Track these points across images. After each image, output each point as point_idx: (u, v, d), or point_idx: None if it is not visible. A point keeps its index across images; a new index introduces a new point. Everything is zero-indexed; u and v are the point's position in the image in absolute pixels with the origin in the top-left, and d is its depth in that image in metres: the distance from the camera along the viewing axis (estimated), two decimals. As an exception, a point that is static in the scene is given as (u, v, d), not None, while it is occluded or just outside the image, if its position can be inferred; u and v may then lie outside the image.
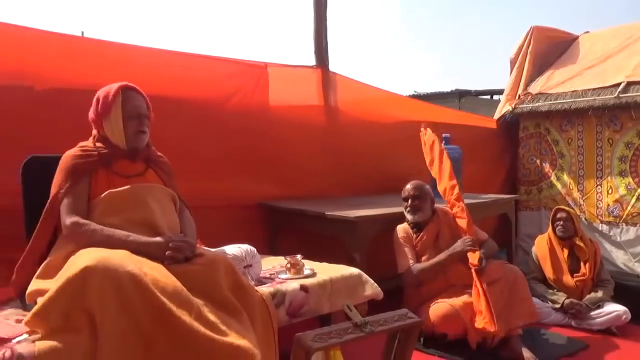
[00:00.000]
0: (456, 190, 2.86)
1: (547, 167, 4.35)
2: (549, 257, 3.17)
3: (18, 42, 2.34)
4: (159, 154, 1.93)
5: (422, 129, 3.26)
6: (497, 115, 4.69)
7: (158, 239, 1.58)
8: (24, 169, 1.87)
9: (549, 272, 3.15)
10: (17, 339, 1.34)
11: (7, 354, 1.24)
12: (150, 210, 1.68)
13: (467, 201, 2.89)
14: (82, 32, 2.93)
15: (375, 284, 2.17)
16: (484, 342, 2.49)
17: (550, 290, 3.10)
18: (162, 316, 1.33)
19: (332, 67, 3.61)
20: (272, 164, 3.16)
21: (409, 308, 2.56)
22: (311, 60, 3.57)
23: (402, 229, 2.78)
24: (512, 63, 4.79)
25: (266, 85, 3.23)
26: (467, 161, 3.65)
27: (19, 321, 1.49)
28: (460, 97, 8.87)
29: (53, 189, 1.68)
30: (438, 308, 2.50)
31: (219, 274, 1.55)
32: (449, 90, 9.02)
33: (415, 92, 9.57)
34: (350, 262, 2.36)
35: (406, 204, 2.79)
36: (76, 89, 2.29)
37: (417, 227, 2.78)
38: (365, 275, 2.17)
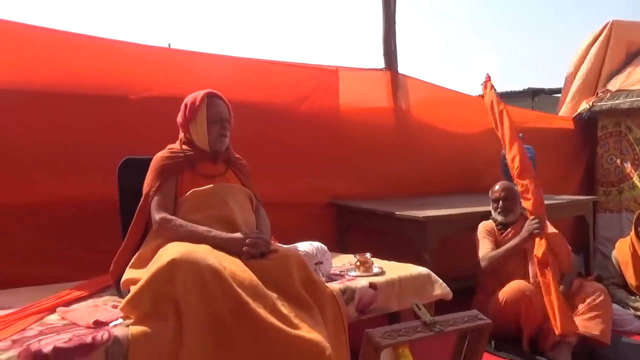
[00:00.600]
0: (516, 162, 2.53)
1: (628, 167, 4.01)
2: (631, 262, 2.92)
3: (112, 55, 2.51)
4: (237, 156, 1.99)
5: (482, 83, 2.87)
6: (562, 112, 4.38)
7: (236, 235, 1.63)
8: (119, 169, 2.01)
9: (630, 278, 2.91)
10: (113, 322, 1.44)
11: (105, 336, 1.33)
12: (230, 208, 1.74)
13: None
14: (169, 44, 3.09)
15: (444, 284, 2.10)
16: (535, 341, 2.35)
17: (632, 297, 2.86)
18: (239, 308, 1.37)
19: (401, 68, 3.57)
20: (343, 165, 3.17)
21: (481, 297, 2.55)
22: (380, 63, 3.54)
23: (486, 224, 2.70)
24: (581, 59, 4.44)
25: (337, 89, 3.24)
26: (541, 161, 3.45)
27: (115, 307, 1.60)
28: (533, 96, 8.39)
29: (145, 188, 1.79)
30: (511, 284, 2.39)
31: (291, 269, 1.57)
32: (521, 89, 8.55)
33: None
34: (419, 262, 2.31)
35: (496, 205, 2.68)
36: (164, 97, 2.42)
37: (503, 226, 2.67)
38: (434, 275, 2.11)
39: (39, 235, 2.18)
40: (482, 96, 2.88)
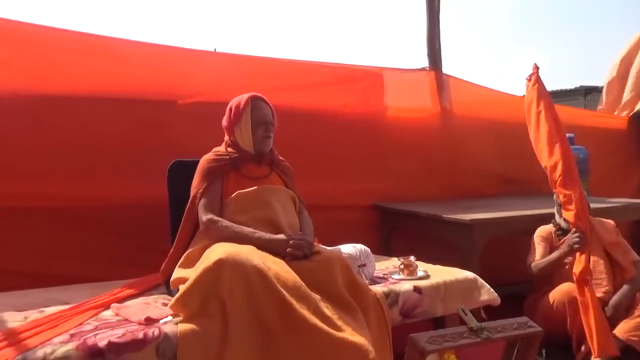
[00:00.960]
0: (559, 170, 2.32)
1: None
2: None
3: (161, 60, 2.61)
4: (281, 158, 2.02)
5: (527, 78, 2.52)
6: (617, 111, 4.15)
7: (280, 236, 1.65)
8: (169, 172, 2.08)
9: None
10: (163, 320, 1.48)
11: (156, 332, 1.37)
12: (273, 210, 1.77)
13: (593, 206, 2.58)
14: (215, 49, 3.16)
15: (492, 290, 2.04)
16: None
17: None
18: (283, 308, 1.38)
19: (445, 69, 3.50)
20: (387, 167, 3.14)
21: (533, 298, 2.46)
22: (424, 63, 3.48)
23: (543, 229, 2.57)
24: (632, 54, 4.18)
25: (382, 90, 3.22)
26: (595, 162, 3.29)
27: (165, 304, 1.65)
28: (585, 94, 8.02)
29: (192, 190, 1.84)
30: (562, 287, 2.30)
31: (334, 271, 1.57)
32: (572, 87, 8.19)
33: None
34: (465, 266, 2.25)
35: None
36: (211, 102, 2.48)
37: (563, 232, 2.51)
38: (481, 280, 2.05)
39: (98, 236, 2.29)
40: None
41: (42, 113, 2.23)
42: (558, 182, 2.33)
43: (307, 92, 2.96)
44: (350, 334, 1.40)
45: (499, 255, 2.67)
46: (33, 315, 1.59)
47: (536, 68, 2.55)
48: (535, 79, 2.52)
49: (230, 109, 1.89)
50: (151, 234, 2.25)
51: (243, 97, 1.87)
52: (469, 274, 2.06)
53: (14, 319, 1.54)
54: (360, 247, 1.99)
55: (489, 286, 2.04)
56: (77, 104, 2.30)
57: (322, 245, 1.93)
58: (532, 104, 2.45)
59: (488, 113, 3.65)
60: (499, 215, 2.63)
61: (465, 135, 3.46)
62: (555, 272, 2.42)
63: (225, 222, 1.70)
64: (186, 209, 1.82)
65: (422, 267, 2.08)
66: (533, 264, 2.47)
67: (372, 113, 3.15)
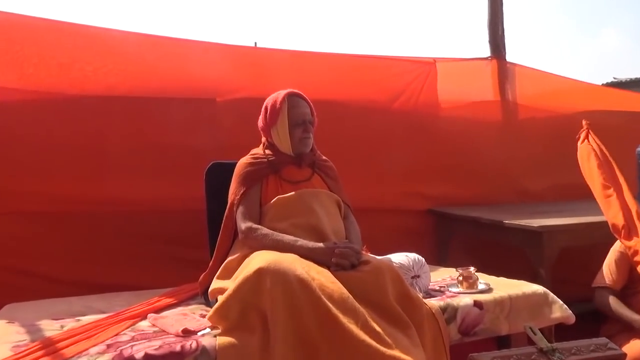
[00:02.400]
0: (619, 220, 2.23)
1: None
2: None
3: (199, 56, 2.69)
4: (324, 158, 2.03)
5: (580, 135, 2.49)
6: None
7: (324, 244, 1.66)
8: (207, 174, 2.15)
9: None
10: (201, 332, 1.53)
11: (193, 345, 1.42)
12: (316, 216, 1.78)
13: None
14: (255, 43, 3.23)
15: (565, 306, 1.97)
16: None
17: None
18: (328, 322, 1.39)
19: (509, 56, 3.42)
20: (443, 166, 3.11)
21: (609, 328, 2.31)
22: (485, 51, 3.42)
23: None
24: None
25: (435, 82, 3.18)
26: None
27: (202, 316, 1.70)
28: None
29: (230, 197, 1.89)
30: (633, 347, 2.11)
31: (385, 283, 1.56)
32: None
33: (614, 78, 8.46)
34: (533, 278, 2.19)
35: None
36: (252, 98, 2.54)
37: None
38: (552, 295, 1.98)
39: (132, 242, 2.39)
40: (587, 127, 2.50)
41: (80, 111, 2.35)
42: (622, 235, 2.24)
43: (352, 87, 2.97)
44: (402, 352, 1.39)
45: (573, 267, 2.57)
46: (69, 324, 1.69)
47: (587, 126, 2.51)
48: (585, 136, 2.50)
49: (266, 108, 1.91)
50: (189, 241, 2.33)
51: (279, 95, 1.90)
52: (538, 288, 2.00)
53: (51, 328, 1.64)
54: (413, 256, 1.97)
55: (561, 302, 1.97)
56: (111, 101, 2.42)
57: (371, 254, 1.93)
58: (585, 160, 2.46)
59: (558, 105, 3.54)
60: (572, 222, 2.53)
61: (531, 129, 3.37)
62: (633, 299, 2.28)
63: (265, 230, 1.73)
64: (224, 217, 1.87)
65: (483, 280, 2.04)
66: (598, 297, 2.28)
67: (425, 108, 3.12)
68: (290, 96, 1.90)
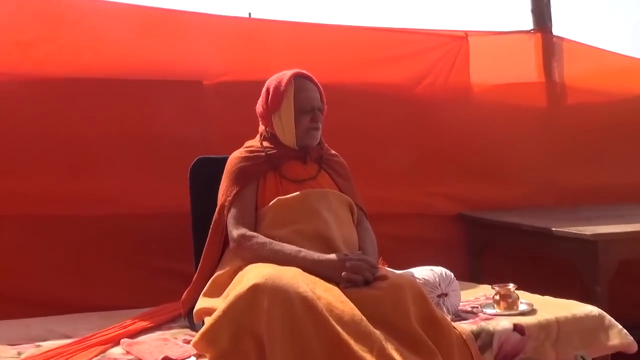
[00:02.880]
0: None
1: None
2: None
3: (183, 30, 2.69)
4: (333, 152, 2.03)
5: None
6: None
7: (333, 256, 1.66)
8: (191, 172, 2.14)
9: None
10: (185, 361, 1.53)
11: (175, 377, 1.42)
12: (323, 221, 1.78)
13: None
14: (249, 14, 3.22)
15: (625, 331, 1.96)
16: None
17: None
18: (338, 349, 1.39)
19: (556, 29, 3.41)
20: (476, 162, 3.11)
21: None
22: (527, 23, 3.41)
23: None
24: None
25: (467, 60, 3.19)
26: None
27: (186, 342, 1.70)
28: None
29: (220, 198, 1.88)
30: None
31: (405, 303, 1.55)
32: None
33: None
34: (586, 298, 2.18)
35: None
36: (245, 81, 2.54)
37: None
38: (609, 318, 1.97)
39: (101, 252, 2.39)
40: None
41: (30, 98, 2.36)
42: None
43: (365, 67, 2.97)
44: (426, 386, 1.39)
45: (634, 284, 2.56)
46: (28, 350, 1.69)
47: None
48: None
49: (268, 90, 1.91)
50: (170, 251, 2.34)
51: (284, 75, 1.90)
52: (593, 309, 1.99)
53: (6, 355, 1.65)
54: (440, 270, 1.97)
55: (620, 326, 1.96)
56: (77, 85, 2.43)
57: (389, 267, 1.93)
58: None
59: (615, 88, 3.52)
60: (634, 229, 2.51)
61: (583, 116, 3.36)
62: None
63: (262, 239, 1.73)
64: (213, 222, 1.87)
65: (525, 299, 2.03)
66: None
67: (454, 92, 3.13)
68: (298, 77, 1.90)
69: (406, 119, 2.97)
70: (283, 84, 1.87)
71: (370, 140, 2.83)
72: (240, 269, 1.69)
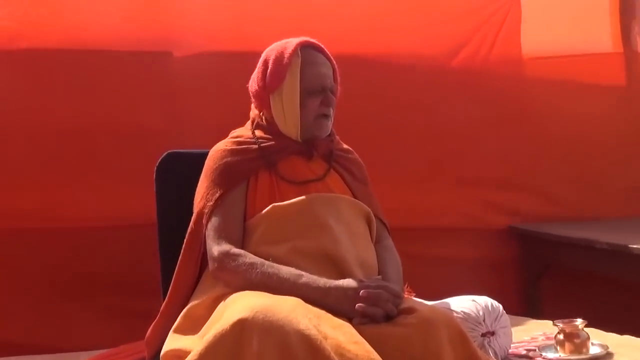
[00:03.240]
0: None
1: None
2: None
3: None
4: (346, 147, 2.02)
5: None
6: None
7: (344, 282, 1.64)
8: (158, 171, 2.13)
9: None
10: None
11: None
12: (332, 236, 1.76)
13: None
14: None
15: None
16: None
17: None
18: (351, 406, 1.38)
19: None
20: (530, 160, 3.14)
21: None
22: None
23: None
24: None
25: (517, 25, 3.22)
26: None
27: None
28: None
29: (197, 203, 1.86)
30: None
31: (439, 344, 1.54)
32: None
33: None
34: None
35: None
36: (228, 52, 2.54)
37: None
38: None
39: (45, 280, 2.41)
40: None
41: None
42: None
43: (388, 35, 2.99)
44: None
45: None
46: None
47: None
48: None
49: (266, 63, 1.90)
50: (131, 276, 2.34)
51: (288, 44, 1.88)
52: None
53: None
54: (484, 301, 1.97)
55: None
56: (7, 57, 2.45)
57: (417, 298, 1.92)
58: None
59: None
60: None
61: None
62: None
63: (251, 258, 1.71)
64: (187, 235, 1.86)
65: (597, 339, 2.03)
66: None
67: (501, 65, 3.16)
68: (306, 48, 1.88)
69: (438, 101, 3.00)
70: (286, 55, 1.86)
71: (392, 129, 2.85)
72: (222, 298, 1.67)
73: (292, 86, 1.85)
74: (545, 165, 3.16)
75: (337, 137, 2.00)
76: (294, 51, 1.85)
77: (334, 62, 1.92)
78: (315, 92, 1.86)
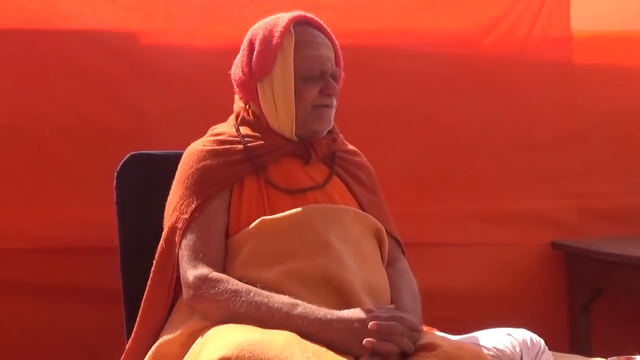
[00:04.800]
0: None
1: None
2: None
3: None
4: (351, 148, 2.03)
5: None
6: None
7: (349, 312, 1.65)
8: (119, 176, 2.13)
9: None
10: None
11: None
12: (335, 257, 1.76)
13: None
14: None
15: None
16: None
17: None
18: None
19: None
20: (577, 157, 3.16)
21: None
22: None
23: None
24: None
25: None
26: None
27: None
28: None
29: (169, 215, 1.87)
30: None
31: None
32: None
33: None
34: None
35: None
36: (204, 35, 2.55)
37: None
38: None
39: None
40: None
41: None
42: None
43: (406, 11, 2.99)
44: None
45: None
46: None
47: None
48: None
49: (251, 44, 1.91)
50: (88, 306, 2.35)
51: (279, 21, 1.88)
52: None
53: None
54: (522, 335, 1.98)
55: None
56: None
57: (439, 331, 1.92)
58: None
59: None
60: None
61: None
62: None
63: (235, 284, 1.71)
64: (157, 255, 1.86)
65: (662, 381, 2.03)
66: None
67: (544, 46, 3.17)
68: (301, 24, 1.89)
69: (466, 88, 3.02)
70: (276, 34, 1.85)
71: (405, 126, 2.86)
72: (199, 332, 1.68)
73: (284, 71, 1.85)
74: (596, 167, 3.18)
75: (341, 136, 2.00)
76: (286, 29, 1.85)
77: (336, 41, 1.92)
78: (312, 78, 1.86)
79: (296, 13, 1.89)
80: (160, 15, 2.70)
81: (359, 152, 2.04)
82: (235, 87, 1.96)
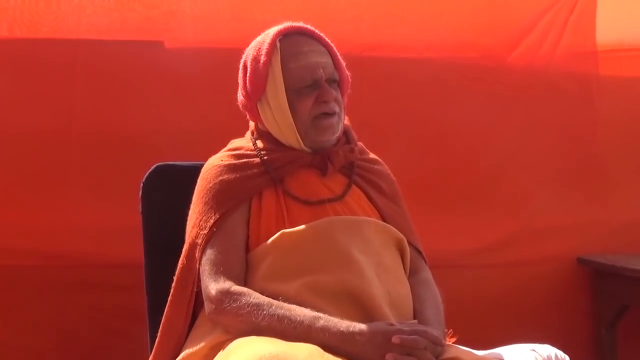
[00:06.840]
0: None
1: None
2: None
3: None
4: (372, 156, 2.03)
5: None
6: None
7: (371, 326, 1.63)
8: (145, 188, 2.14)
9: None
10: None
11: None
12: (357, 270, 1.75)
13: None
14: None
15: None
16: None
17: None
18: None
19: None
20: (604, 170, 3.15)
21: None
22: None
23: None
24: None
25: (593, 11, 3.21)
26: None
27: None
28: None
29: (189, 230, 1.88)
30: None
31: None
32: None
33: None
34: None
35: None
36: (231, 49, 2.55)
37: None
38: None
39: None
40: None
41: None
42: None
43: (429, 25, 3.00)
44: None
45: None
46: None
47: None
48: None
49: (245, 67, 1.92)
50: (114, 320, 2.37)
51: (265, 38, 1.89)
52: None
53: None
54: (546, 351, 1.96)
55: None
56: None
57: (461, 346, 1.91)
58: None
59: None
60: None
61: None
62: None
63: (257, 297, 1.70)
64: (178, 271, 1.87)
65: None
66: None
67: (570, 60, 3.16)
68: (288, 36, 1.89)
69: (490, 104, 3.01)
70: (263, 52, 1.86)
71: (431, 137, 2.86)
72: (221, 345, 1.68)
73: (275, 88, 1.86)
74: (622, 182, 3.16)
75: (361, 144, 2.00)
76: (271, 45, 1.86)
77: (332, 45, 1.91)
78: (305, 89, 1.86)
79: (282, 26, 1.90)
80: (187, 10, 2.73)
81: (380, 160, 2.04)
82: (243, 109, 1.98)
